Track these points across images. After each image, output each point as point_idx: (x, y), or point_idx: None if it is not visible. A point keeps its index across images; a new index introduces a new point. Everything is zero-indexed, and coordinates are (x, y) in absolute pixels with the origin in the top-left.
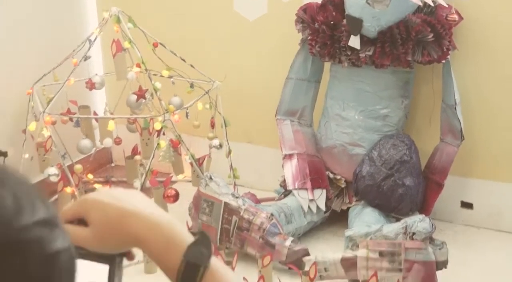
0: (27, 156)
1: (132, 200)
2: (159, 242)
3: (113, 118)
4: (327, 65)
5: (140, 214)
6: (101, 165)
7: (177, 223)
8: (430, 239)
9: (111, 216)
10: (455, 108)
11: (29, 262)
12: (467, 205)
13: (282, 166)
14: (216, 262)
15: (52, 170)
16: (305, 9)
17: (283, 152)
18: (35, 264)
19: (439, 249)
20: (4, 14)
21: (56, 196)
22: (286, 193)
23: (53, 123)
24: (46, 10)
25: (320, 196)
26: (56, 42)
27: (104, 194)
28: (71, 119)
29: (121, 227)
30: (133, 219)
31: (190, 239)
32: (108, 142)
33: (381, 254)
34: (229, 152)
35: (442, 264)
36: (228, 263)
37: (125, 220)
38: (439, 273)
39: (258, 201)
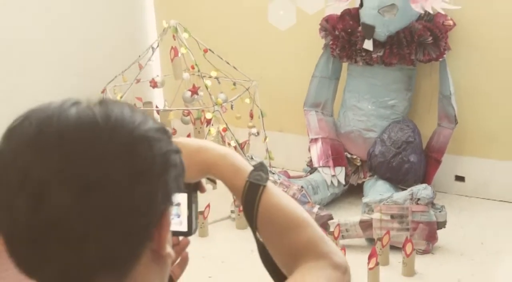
0: None
1: (202, 140)
2: (228, 167)
3: (171, 111)
4: (345, 65)
5: (211, 147)
6: None
7: (238, 154)
8: (431, 204)
9: (190, 150)
10: (450, 98)
11: (154, 153)
12: (460, 178)
13: (309, 149)
14: (272, 185)
15: None
16: (327, 19)
17: (309, 136)
18: (156, 156)
19: (439, 211)
20: (79, 27)
21: None
22: (312, 170)
23: None
24: (114, 22)
25: (340, 172)
26: (121, 49)
27: (181, 138)
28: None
29: (199, 157)
30: (207, 151)
31: (250, 166)
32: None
33: (392, 216)
34: (265, 138)
35: (442, 224)
36: None
37: (201, 152)
38: (439, 232)
39: (289, 177)
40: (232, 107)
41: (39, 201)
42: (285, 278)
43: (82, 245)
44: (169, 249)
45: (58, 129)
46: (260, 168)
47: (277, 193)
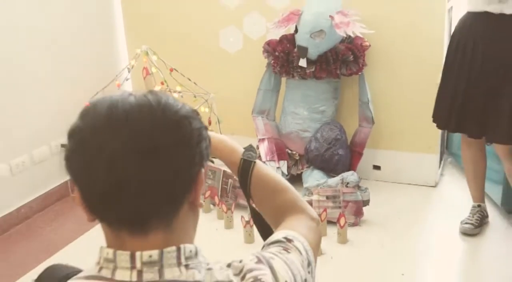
0: None
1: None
2: (225, 148)
3: None
4: (283, 79)
5: (212, 135)
6: None
7: (232, 141)
8: (358, 187)
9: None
10: (368, 104)
11: (192, 127)
12: (377, 167)
13: (257, 147)
14: (259, 161)
15: None
16: (268, 43)
17: (258, 137)
18: (194, 130)
19: (364, 192)
20: (67, 53)
21: None
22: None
23: None
24: (94, 47)
25: (283, 165)
26: (101, 69)
27: None
28: None
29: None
30: (212, 139)
31: (242, 148)
32: None
33: (327, 197)
34: None
35: (366, 203)
36: (228, 208)
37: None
38: (365, 209)
39: None
40: None
41: (112, 164)
42: (272, 233)
43: (142, 196)
44: (201, 201)
45: (124, 110)
46: (250, 149)
47: (264, 167)
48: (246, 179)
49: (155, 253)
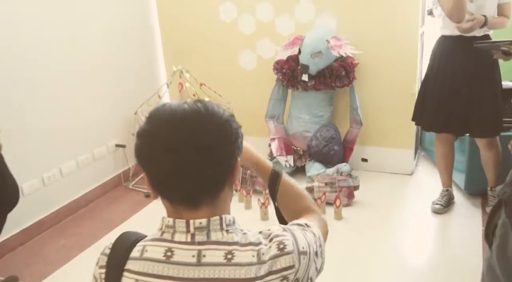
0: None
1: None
2: (253, 157)
3: None
4: (290, 91)
5: (248, 149)
6: None
7: (264, 157)
8: (349, 175)
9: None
10: (357, 109)
11: (232, 128)
12: (364, 160)
13: (269, 145)
14: (285, 174)
15: None
16: (277, 62)
17: (270, 137)
18: (233, 130)
19: (355, 179)
20: (117, 71)
21: None
22: (272, 158)
23: None
24: (139, 67)
25: (290, 159)
26: (145, 84)
27: None
28: None
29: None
30: (248, 152)
31: (271, 163)
32: None
33: (325, 184)
34: None
35: (356, 188)
36: (247, 193)
37: (246, 151)
38: (356, 192)
39: None
40: None
41: (173, 156)
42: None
43: (196, 181)
44: (236, 181)
45: (182, 115)
46: (277, 162)
47: (288, 179)
48: (275, 186)
49: (204, 221)
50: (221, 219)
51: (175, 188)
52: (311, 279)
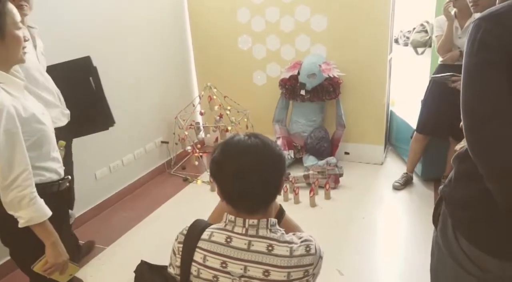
0: (176, 143)
1: None
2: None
3: (210, 127)
4: (291, 102)
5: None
6: (202, 144)
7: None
8: (336, 165)
9: None
10: (341, 116)
11: (282, 159)
12: (347, 153)
13: (275, 141)
14: (286, 212)
15: (188, 147)
16: (282, 80)
17: (275, 136)
18: (283, 160)
19: (340, 168)
20: (159, 83)
21: (188, 156)
22: None
23: (187, 129)
24: (177, 80)
25: (291, 152)
26: (182, 96)
27: None
28: (192, 127)
29: None
30: None
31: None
32: (207, 136)
33: (318, 172)
34: None
35: (341, 175)
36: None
37: None
38: (341, 179)
39: None
40: (238, 123)
41: (243, 183)
42: None
43: (258, 200)
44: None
45: (246, 148)
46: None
47: (289, 216)
48: (281, 218)
49: (255, 221)
50: (267, 221)
51: (240, 204)
52: (315, 274)
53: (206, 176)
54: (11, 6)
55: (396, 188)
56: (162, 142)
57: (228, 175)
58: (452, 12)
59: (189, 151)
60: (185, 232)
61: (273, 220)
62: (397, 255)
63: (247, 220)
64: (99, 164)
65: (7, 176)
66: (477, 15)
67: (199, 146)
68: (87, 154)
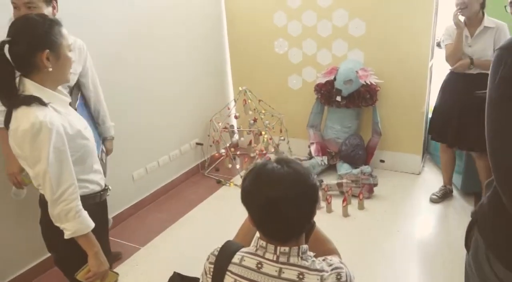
0: (211, 145)
1: None
2: None
3: (244, 130)
4: (326, 107)
5: None
6: (236, 146)
7: None
8: (370, 175)
9: None
10: (377, 123)
11: (316, 189)
12: (382, 161)
13: (309, 146)
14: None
15: (222, 150)
16: (317, 85)
17: (309, 141)
18: (316, 188)
19: (374, 178)
20: (198, 88)
21: (221, 158)
22: (311, 157)
23: (221, 131)
24: (214, 86)
25: (325, 158)
26: (217, 99)
27: None
28: (226, 130)
29: None
30: None
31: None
32: (241, 139)
33: (352, 181)
34: (288, 141)
35: (375, 185)
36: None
37: None
38: (375, 188)
39: (300, 160)
40: (273, 128)
41: (275, 212)
42: None
43: (289, 230)
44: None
45: (278, 177)
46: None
47: (319, 228)
48: (311, 230)
49: (287, 249)
50: (298, 248)
51: (271, 233)
52: None
53: (238, 179)
54: (65, 30)
55: (433, 201)
56: (197, 144)
57: (259, 206)
58: (462, 20)
59: (223, 153)
60: (216, 252)
61: (305, 246)
62: (431, 272)
63: (278, 247)
64: (136, 165)
65: (55, 190)
66: (485, 23)
67: (232, 149)
68: (124, 155)
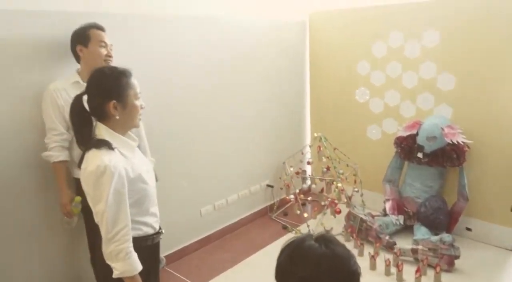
0: (281, 188)
1: None
2: None
3: (315, 178)
4: (406, 162)
5: None
6: (306, 192)
7: None
8: (451, 245)
9: None
10: (464, 186)
11: (356, 274)
12: (469, 229)
13: (384, 202)
14: None
15: (291, 195)
16: (398, 138)
17: (385, 197)
18: (357, 275)
19: (456, 249)
20: (273, 132)
21: (290, 203)
22: (385, 214)
23: (292, 176)
24: (291, 132)
25: (401, 218)
26: (292, 143)
27: None
28: (298, 176)
29: None
30: None
31: None
32: (313, 186)
33: (429, 249)
34: (361, 194)
35: (457, 257)
36: (361, 243)
37: None
38: (456, 261)
39: (373, 217)
40: (346, 178)
41: None
42: None
43: None
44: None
45: (315, 257)
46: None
47: None
48: None
49: None
50: None
51: None
52: None
53: (305, 227)
54: (134, 80)
55: None
56: (268, 185)
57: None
58: None
59: (292, 199)
60: None
61: None
62: None
63: None
64: (205, 201)
65: (110, 230)
66: None
67: (302, 195)
68: (191, 190)
